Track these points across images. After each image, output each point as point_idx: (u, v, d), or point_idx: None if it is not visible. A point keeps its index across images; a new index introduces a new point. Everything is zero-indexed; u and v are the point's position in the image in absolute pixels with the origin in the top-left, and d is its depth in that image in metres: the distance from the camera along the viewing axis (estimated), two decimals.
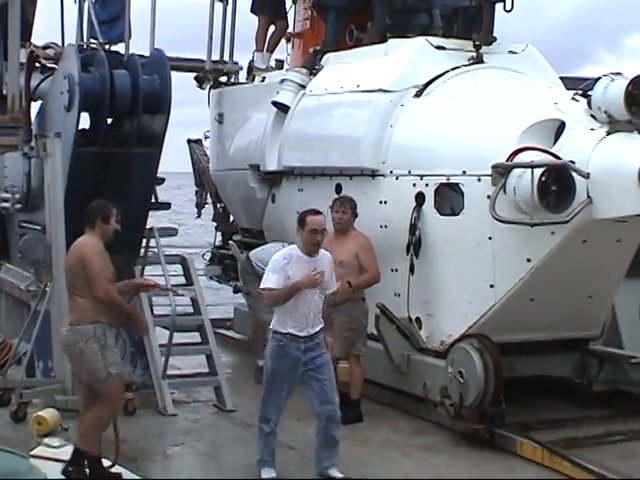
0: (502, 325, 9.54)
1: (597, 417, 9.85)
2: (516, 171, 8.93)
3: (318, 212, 8.36)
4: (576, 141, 8.97)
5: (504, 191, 8.99)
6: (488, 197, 9.10)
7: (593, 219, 8.79)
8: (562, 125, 9.17)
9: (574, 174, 8.70)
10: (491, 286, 9.50)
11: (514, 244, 9.25)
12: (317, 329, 8.14)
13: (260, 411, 8.29)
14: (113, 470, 7.92)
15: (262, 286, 8.22)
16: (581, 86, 9.52)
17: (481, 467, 8.65)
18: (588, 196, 8.73)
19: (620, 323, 11.57)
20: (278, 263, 8.13)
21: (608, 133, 8.84)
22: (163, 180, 11.62)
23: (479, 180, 9.47)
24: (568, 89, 10.22)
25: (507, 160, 9.06)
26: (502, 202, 8.98)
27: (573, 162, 8.77)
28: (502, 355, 9.34)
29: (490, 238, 9.42)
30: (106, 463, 7.93)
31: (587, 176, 8.71)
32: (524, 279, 9.28)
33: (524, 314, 9.52)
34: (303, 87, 12.19)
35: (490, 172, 9.14)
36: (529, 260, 9.20)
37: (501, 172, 9.04)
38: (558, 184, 8.73)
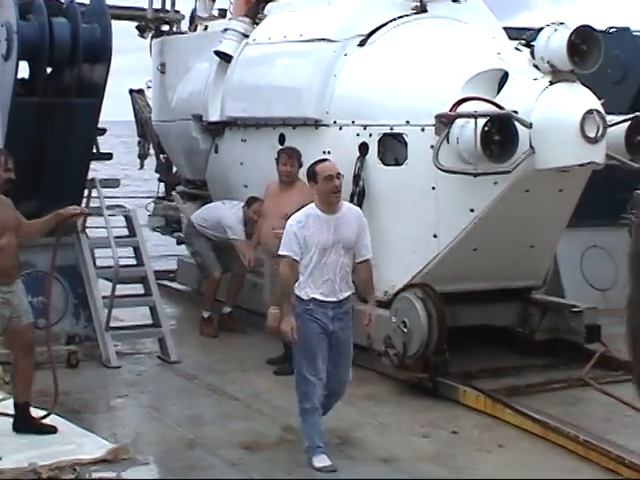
0: (445, 275, 9.59)
1: (539, 365, 9.96)
2: (459, 121, 8.92)
3: (325, 159, 8.09)
4: (519, 91, 8.98)
5: (447, 141, 8.99)
6: (431, 147, 9.09)
7: (536, 169, 8.83)
8: (505, 75, 9.17)
9: (517, 124, 8.73)
10: (434, 236, 9.53)
11: (457, 194, 9.27)
12: (346, 295, 7.64)
13: (297, 391, 7.65)
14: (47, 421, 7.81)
15: (279, 252, 7.64)
16: (524, 36, 9.54)
17: (425, 415, 8.73)
18: (531, 146, 8.76)
19: (562, 272, 11.73)
20: (291, 228, 7.57)
21: (551, 83, 8.87)
22: (105, 130, 11.46)
23: (422, 130, 9.45)
24: (511, 39, 10.22)
25: (450, 110, 9.04)
26: (445, 152, 8.98)
27: (516, 112, 8.78)
28: (445, 305, 9.39)
29: (433, 188, 9.44)
30: (41, 413, 7.86)
31: (530, 126, 8.74)
32: (467, 229, 9.32)
33: (467, 264, 9.57)
34: (246, 36, 12.09)
35: (434, 122, 9.12)
36: (472, 210, 9.23)
37: (444, 122, 9.03)
38: (501, 134, 8.75)
